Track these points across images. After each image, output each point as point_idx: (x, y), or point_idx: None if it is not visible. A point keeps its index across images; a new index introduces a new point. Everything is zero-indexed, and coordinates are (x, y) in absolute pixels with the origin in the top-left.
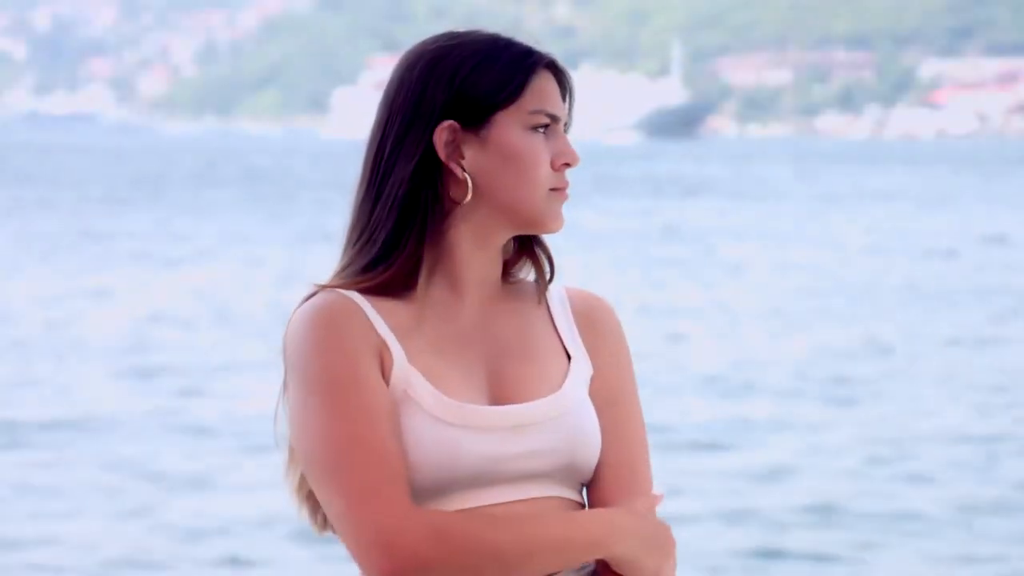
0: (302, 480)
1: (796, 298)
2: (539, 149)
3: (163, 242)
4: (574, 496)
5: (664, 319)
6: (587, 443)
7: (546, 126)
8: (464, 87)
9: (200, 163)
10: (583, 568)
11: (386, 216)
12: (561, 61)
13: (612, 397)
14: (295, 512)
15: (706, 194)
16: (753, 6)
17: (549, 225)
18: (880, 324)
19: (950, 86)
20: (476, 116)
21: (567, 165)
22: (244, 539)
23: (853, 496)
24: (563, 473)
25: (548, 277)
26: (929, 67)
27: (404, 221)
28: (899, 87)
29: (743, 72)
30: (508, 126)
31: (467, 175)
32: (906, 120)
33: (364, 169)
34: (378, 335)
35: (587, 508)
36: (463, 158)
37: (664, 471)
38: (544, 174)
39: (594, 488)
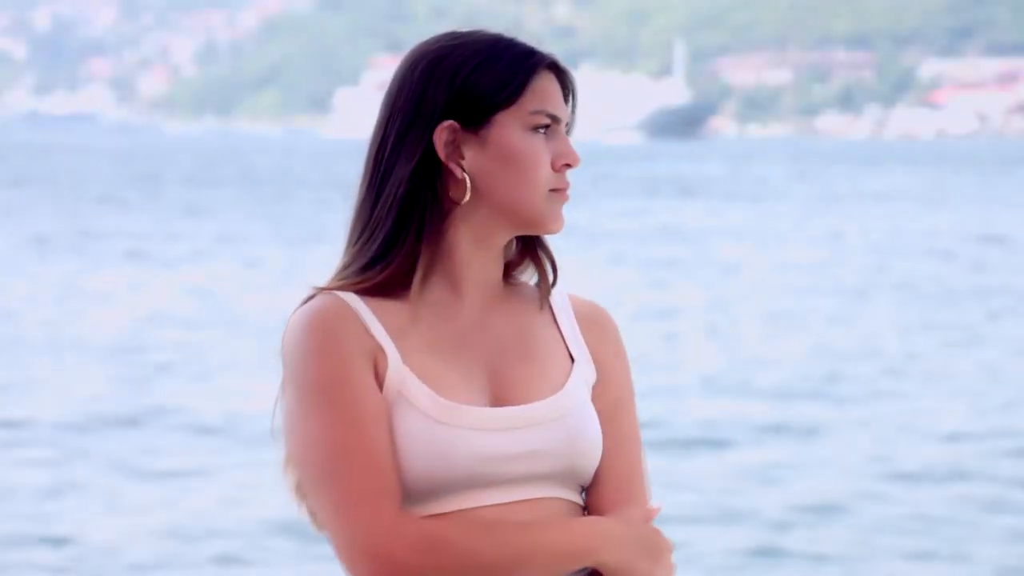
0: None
1: (795, 298)
2: (539, 150)
3: (162, 242)
4: (575, 498)
5: (664, 319)
6: (588, 445)
7: (547, 127)
8: (465, 87)
9: (200, 163)
10: (579, 573)
11: (386, 215)
12: (563, 62)
13: (613, 404)
14: (293, 511)
15: (708, 194)
16: (753, 6)
17: (549, 226)
18: (879, 324)
19: (950, 86)
20: (476, 116)
21: (567, 166)
22: (243, 538)
23: (852, 496)
24: (564, 475)
25: (551, 280)
26: (929, 67)
27: (403, 220)
28: (899, 87)
29: (743, 72)
30: (508, 126)
31: (466, 175)
32: (906, 120)
33: (365, 168)
34: (373, 338)
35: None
36: (463, 158)
37: (663, 471)
38: (544, 175)
39: (591, 494)
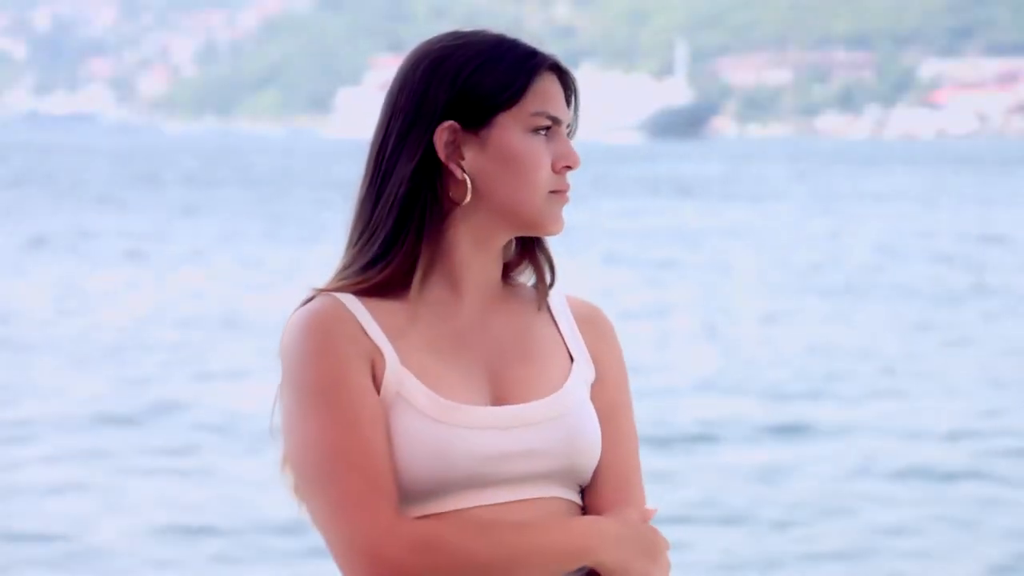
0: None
1: (795, 297)
2: (539, 152)
3: (162, 242)
4: (574, 498)
5: (662, 318)
6: (587, 444)
7: (547, 128)
8: (466, 87)
9: (200, 163)
10: (576, 573)
11: (386, 215)
12: (565, 63)
13: (610, 405)
14: (293, 510)
15: (709, 194)
16: (753, 6)
17: (548, 227)
18: (879, 323)
19: (950, 86)
20: (477, 117)
21: (568, 168)
22: (243, 537)
23: (852, 495)
24: (562, 474)
25: (549, 281)
26: (929, 67)
27: (404, 220)
28: (899, 87)
29: (743, 72)
30: (509, 128)
31: (466, 176)
32: (906, 120)
33: (367, 168)
34: (370, 340)
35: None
36: (463, 159)
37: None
38: (544, 177)
39: (588, 494)
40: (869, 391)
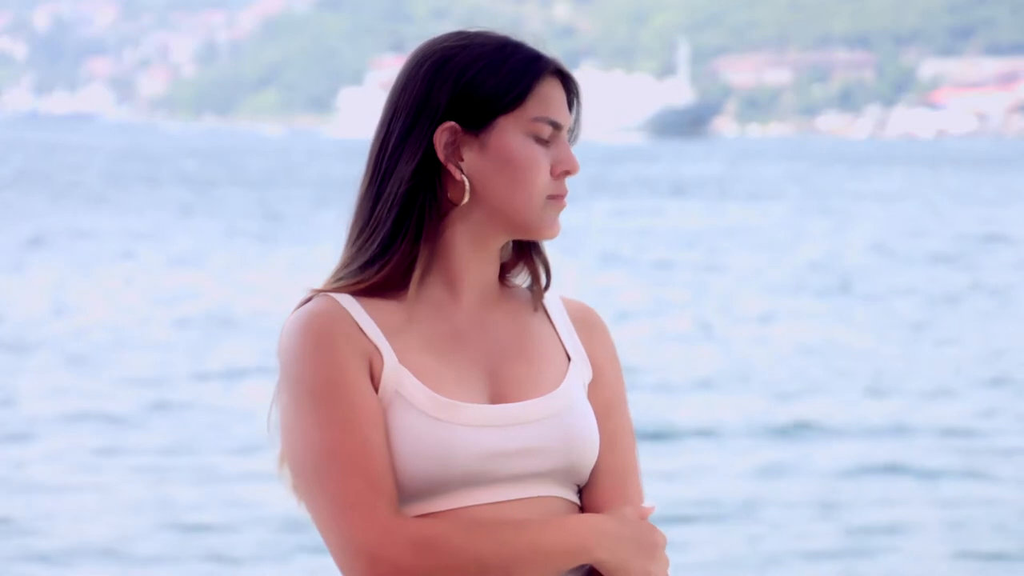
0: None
1: (794, 297)
2: (538, 157)
3: (161, 241)
4: (571, 496)
5: (661, 318)
6: (584, 443)
7: (548, 136)
8: (469, 89)
9: (199, 163)
10: (576, 571)
11: (386, 215)
12: (567, 66)
13: (606, 404)
14: (292, 508)
15: (708, 195)
16: (753, 6)
17: (544, 232)
18: (878, 323)
19: (950, 86)
20: (478, 119)
21: (567, 173)
22: (242, 536)
23: (851, 495)
24: (560, 473)
25: (544, 284)
26: (929, 67)
27: (403, 220)
28: (899, 87)
29: (743, 72)
30: (509, 131)
31: (464, 177)
32: (906, 120)
33: (367, 166)
34: (368, 340)
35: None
36: (462, 160)
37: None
38: (542, 182)
39: (586, 492)
40: (866, 390)
